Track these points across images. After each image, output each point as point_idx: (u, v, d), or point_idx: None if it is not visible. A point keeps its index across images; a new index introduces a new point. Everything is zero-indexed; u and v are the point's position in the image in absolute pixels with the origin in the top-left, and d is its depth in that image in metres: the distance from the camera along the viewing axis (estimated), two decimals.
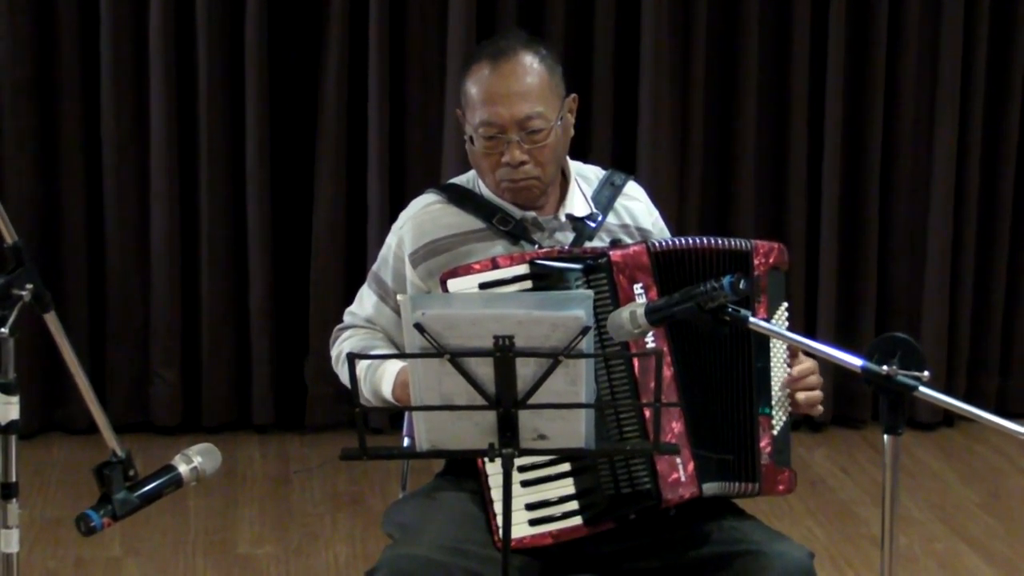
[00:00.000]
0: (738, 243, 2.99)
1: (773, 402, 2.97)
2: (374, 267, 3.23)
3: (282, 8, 5.52)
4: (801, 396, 2.99)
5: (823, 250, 5.78)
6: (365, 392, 3.05)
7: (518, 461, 2.56)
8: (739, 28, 5.67)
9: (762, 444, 2.95)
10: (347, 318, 3.25)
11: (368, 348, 3.13)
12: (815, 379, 3.01)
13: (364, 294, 3.23)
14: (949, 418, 5.87)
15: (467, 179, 3.23)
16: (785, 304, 3.02)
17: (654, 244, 2.98)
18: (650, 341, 2.88)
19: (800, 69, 5.69)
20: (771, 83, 5.74)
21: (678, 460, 2.87)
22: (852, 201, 5.83)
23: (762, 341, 2.93)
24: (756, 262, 2.98)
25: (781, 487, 2.98)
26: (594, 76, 5.59)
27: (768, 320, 2.95)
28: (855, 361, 2.49)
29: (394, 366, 3.03)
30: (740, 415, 2.94)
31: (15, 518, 2.51)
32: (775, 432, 2.96)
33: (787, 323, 3.02)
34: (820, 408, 3.04)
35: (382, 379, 3.04)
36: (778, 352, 2.99)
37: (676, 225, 5.42)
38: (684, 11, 5.61)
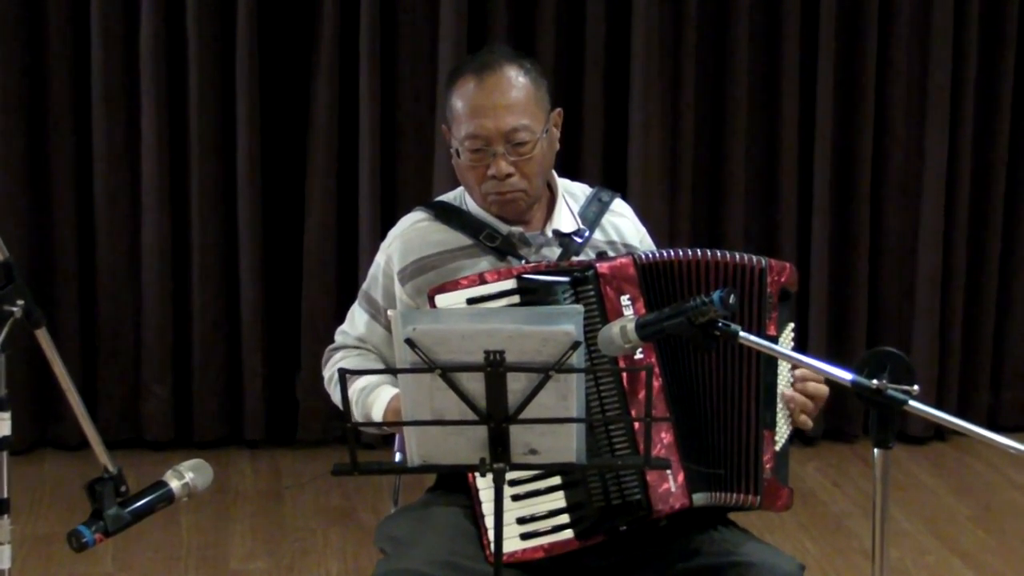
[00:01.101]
0: (751, 259, 2.99)
1: (778, 419, 2.98)
2: (364, 286, 3.23)
3: (273, 26, 5.53)
4: (800, 397, 2.99)
5: (814, 265, 5.78)
6: (357, 415, 3.06)
7: (508, 475, 2.56)
8: (729, 44, 5.68)
9: (765, 458, 2.95)
10: (338, 338, 3.25)
11: (360, 367, 3.13)
12: (818, 387, 3.00)
13: (355, 313, 3.24)
14: (941, 432, 5.88)
15: (455, 196, 3.24)
16: (792, 325, 3.03)
17: (641, 256, 2.99)
18: (637, 353, 2.88)
19: (790, 85, 5.71)
20: (761, 99, 5.76)
21: (667, 471, 2.87)
22: (842, 216, 5.84)
23: (770, 357, 2.93)
24: (769, 279, 2.98)
25: (780, 503, 2.98)
26: (584, 92, 5.60)
27: (777, 338, 2.96)
28: (845, 375, 2.49)
29: (386, 393, 3.03)
30: (744, 428, 2.94)
31: (7, 534, 2.51)
32: (777, 448, 2.97)
33: (793, 343, 3.03)
34: (810, 423, 3.04)
35: (373, 405, 3.04)
36: (783, 371, 2.99)
37: (667, 241, 5.43)
38: (674, 26, 5.62)
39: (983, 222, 5.96)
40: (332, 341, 3.27)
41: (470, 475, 2.88)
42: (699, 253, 2.97)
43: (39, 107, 5.44)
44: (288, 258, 5.63)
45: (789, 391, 2.98)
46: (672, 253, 2.99)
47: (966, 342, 5.99)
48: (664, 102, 5.63)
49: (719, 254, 2.98)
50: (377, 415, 3.03)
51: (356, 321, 3.22)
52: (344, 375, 2.56)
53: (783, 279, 3.00)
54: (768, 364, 2.96)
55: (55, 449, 5.52)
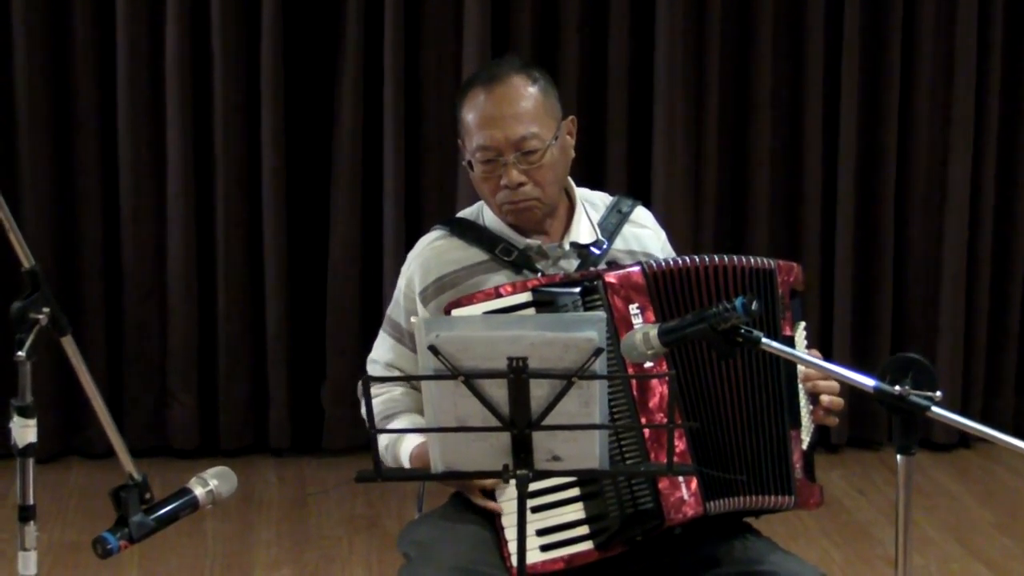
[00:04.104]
0: (760, 261, 3.01)
1: (802, 417, 2.99)
2: (388, 310, 3.23)
3: (297, 37, 5.55)
4: (825, 399, 3.00)
5: (838, 271, 5.78)
6: (388, 462, 3.07)
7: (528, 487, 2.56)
8: (753, 49, 5.68)
9: (794, 458, 2.97)
10: (369, 367, 3.23)
11: (388, 411, 3.12)
12: (835, 385, 3.02)
13: (381, 339, 3.23)
14: (965, 439, 5.86)
15: (472, 211, 3.24)
16: (803, 323, 3.05)
17: (650, 264, 2.99)
18: (648, 362, 2.87)
19: (815, 90, 5.71)
20: (785, 105, 5.76)
21: (680, 479, 2.87)
22: (867, 222, 5.84)
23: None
24: (779, 280, 3.00)
25: (812, 501, 3.01)
26: (608, 103, 5.60)
27: (792, 338, 2.98)
28: (868, 381, 2.49)
29: (409, 443, 3.03)
30: (771, 430, 2.96)
31: (33, 541, 2.52)
32: (804, 447, 2.99)
33: (806, 341, 3.04)
34: (835, 420, 3.05)
35: (400, 455, 3.05)
36: (801, 368, 3.00)
37: (691, 247, 5.43)
38: (698, 34, 5.63)
39: (1007, 227, 5.94)
40: (356, 351, 3.28)
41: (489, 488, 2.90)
42: (706, 259, 2.99)
43: (66, 118, 5.47)
44: (313, 267, 5.65)
45: (810, 384, 3.01)
46: (681, 260, 3.00)
47: (991, 348, 5.98)
48: (688, 113, 5.63)
49: (727, 259, 2.99)
50: (404, 459, 3.04)
51: (382, 347, 3.22)
52: (368, 383, 2.56)
53: (791, 279, 3.02)
54: (788, 363, 2.96)
55: (81, 457, 5.55)
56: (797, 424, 2.99)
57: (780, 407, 2.97)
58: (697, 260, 2.98)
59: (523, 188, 3.06)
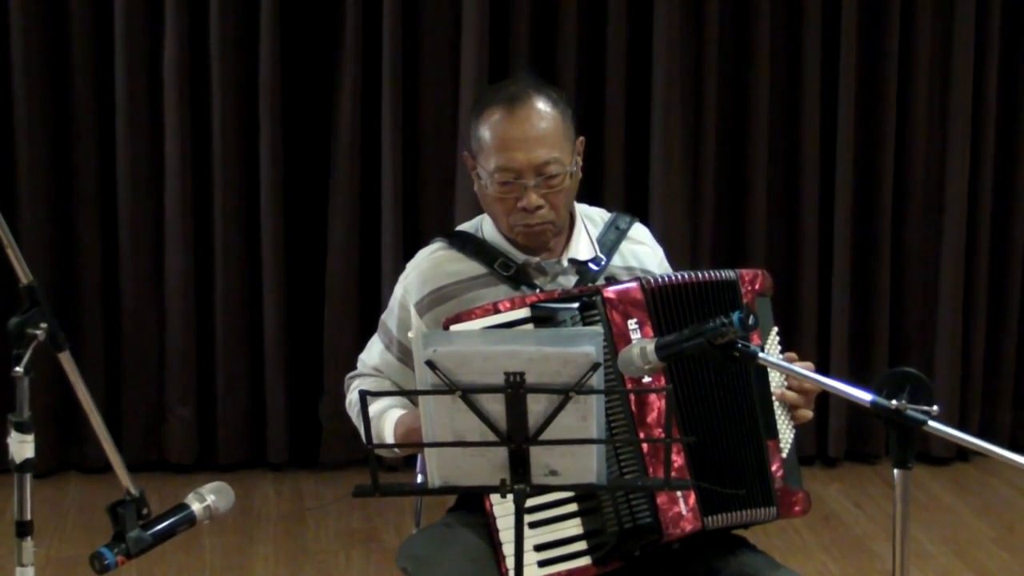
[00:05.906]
0: (723, 274, 3.01)
1: (778, 425, 2.99)
2: (383, 315, 3.24)
3: (295, 48, 5.55)
4: (790, 394, 3.01)
5: (836, 284, 5.78)
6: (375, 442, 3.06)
7: (526, 502, 2.56)
8: (750, 64, 5.69)
9: (773, 468, 2.97)
10: (359, 365, 3.27)
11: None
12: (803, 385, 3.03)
13: (373, 342, 3.25)
14: (963, 452, 5.86)
15: (472, 225, 3.24)
16: (775, 329, 3.05)
17: (648, 280, 2.99)
18: (646, 377, 2.88)
19: (811, 103, 5.71)
20: (782, 118, 5.76)
21: (678, 494, 2.88)
22: (864, 234, 5.84)
23: (760, 367, 2.93)
24: (743, 291, 3.00)
25: (797, 508, 3.01)
26: (606, 117, 5.60)
27: (763, 346, 2.98)
28: (865, 396, 2.49)
29: (392, 416, 3.04)
30: (748, 443, 2.96)
31: (30, 556, 2.53)
32: (784, 455, 2.99)
33: (779, 347, 3.05)
34: (809, 414, 3.04)
35: (384, 429, 3.05)
36: (774, 375, 3.00)
37: (689, 262, 5.44)
38: (695, 49, 5.63)
39: (1006, 240, 5.94)
40: (354, 364, 3.29)
41: (487, 502, 2.89)
42: (684, 276, 2.99)
43: (63, 132, 5.47)
44: (311, 281, 5.65)
45: (779, 390, 3.01)
46: (678, 276, 3.00)
47: (988, 361, 5.98)
48: (685, 125, 5.63)
49: (692, 275, 2.99)
50: (389, 435, 3.04)
51: (372, 350, 3.24)
52: (364, 397, 2.57)
53: (757, 287, 3.03)
54: (759, 374, 2.97)
55: (78, 472, 5.54)
56: (774, 434, 2.99)
57: (754, 419, 2.97)
58: (686, 276, 2.99)
59: (540, 211, 3.06)
